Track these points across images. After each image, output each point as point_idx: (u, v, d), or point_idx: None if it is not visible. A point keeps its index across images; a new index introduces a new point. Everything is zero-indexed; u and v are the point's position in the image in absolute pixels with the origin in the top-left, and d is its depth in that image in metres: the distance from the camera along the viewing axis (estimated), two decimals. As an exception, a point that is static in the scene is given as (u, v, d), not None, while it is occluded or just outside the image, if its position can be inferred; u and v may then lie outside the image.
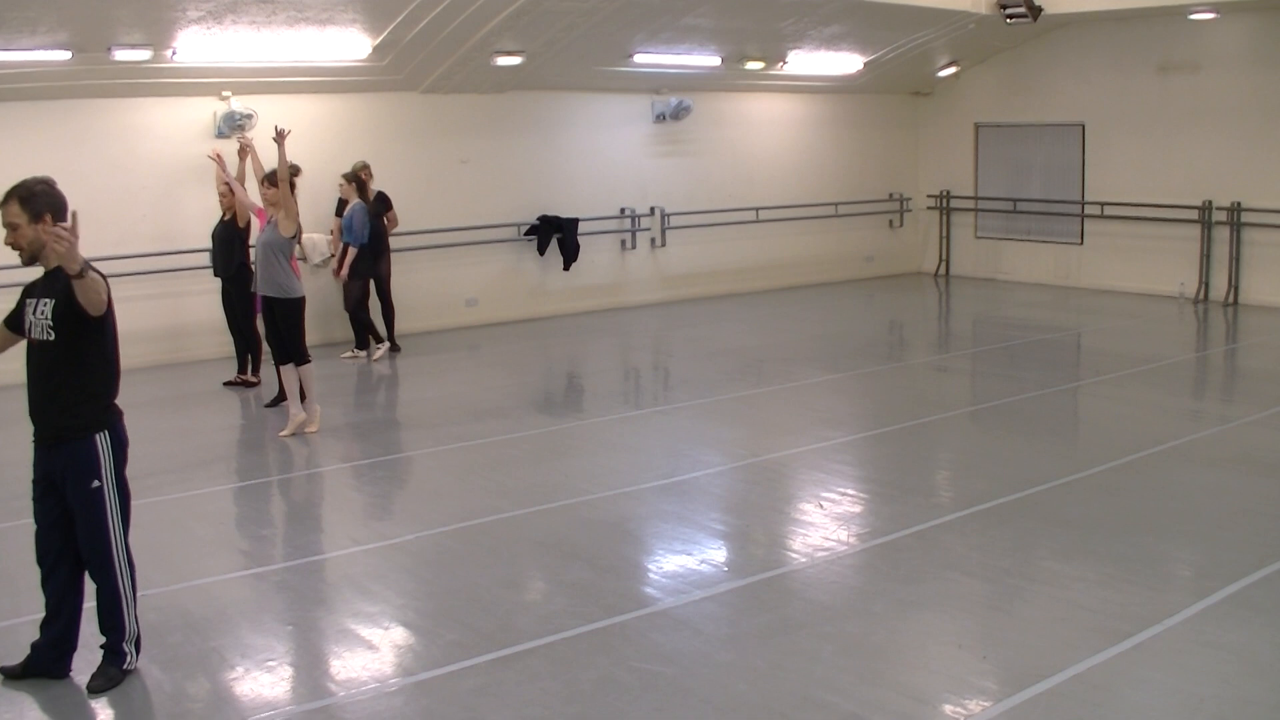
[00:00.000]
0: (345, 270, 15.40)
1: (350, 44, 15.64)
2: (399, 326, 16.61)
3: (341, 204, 16.07)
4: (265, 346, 13.65)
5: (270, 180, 11.97)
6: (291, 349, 12.19)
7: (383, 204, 16.39)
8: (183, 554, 8.85)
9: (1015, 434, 12.24)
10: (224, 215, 14.11)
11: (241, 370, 14.53)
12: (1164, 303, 20.08)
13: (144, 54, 14.24)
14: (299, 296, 12.20)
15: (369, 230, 15.37)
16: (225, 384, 14.50)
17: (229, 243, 14.07)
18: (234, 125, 15.55)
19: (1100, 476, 10.33)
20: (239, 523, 9.84)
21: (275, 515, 10.11)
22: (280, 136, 12.02)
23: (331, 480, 10.94)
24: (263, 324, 12.83)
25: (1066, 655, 6.77)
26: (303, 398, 12.28)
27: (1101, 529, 8.98)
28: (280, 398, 12.83)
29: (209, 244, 14.60)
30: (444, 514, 9.63)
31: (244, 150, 14.06)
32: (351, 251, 15.35)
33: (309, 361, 12.31)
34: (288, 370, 12.21)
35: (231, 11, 14.00)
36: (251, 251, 13.51)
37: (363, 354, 15.99)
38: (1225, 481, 10.18)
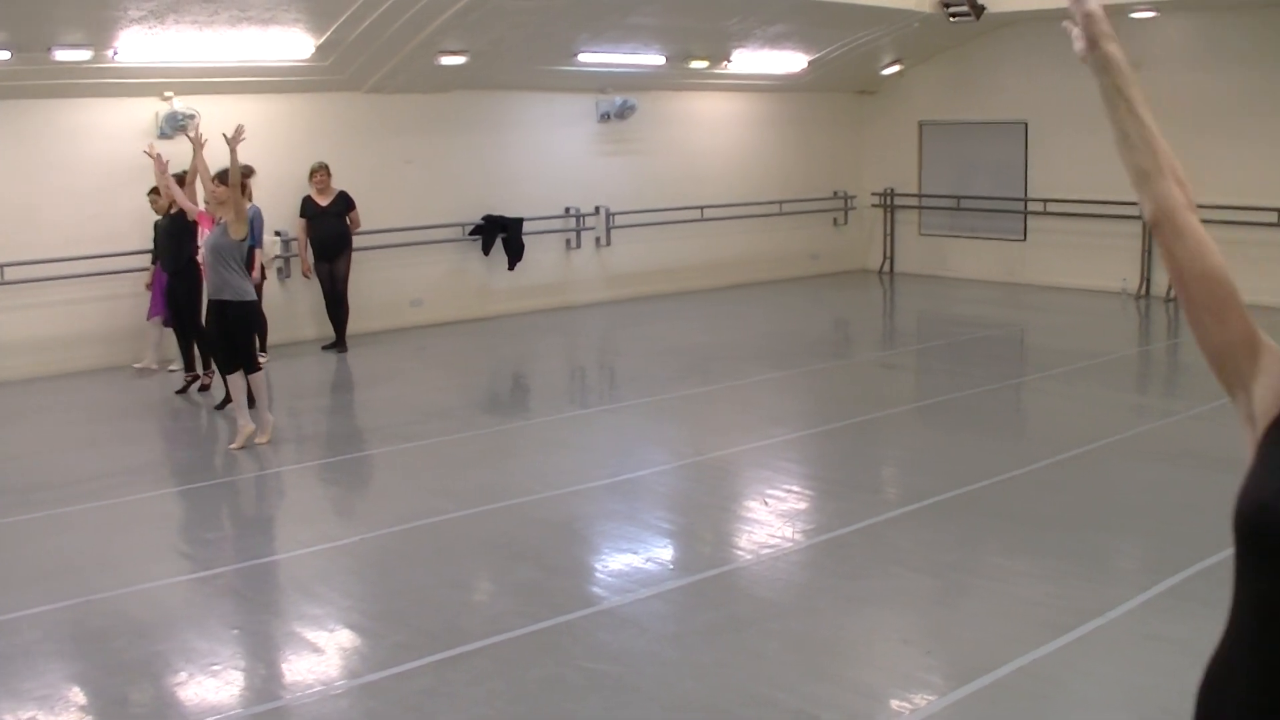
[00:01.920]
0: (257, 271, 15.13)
1: (293, 44, 15.53)
2: (348, 327, 16.54)
3: (305, 203, 16.25)
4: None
5: (221, 179, 11.61)
6: (243, 356, 11.79)
7: (344, 204, 16.40)
8: (128, 559, 8.76)
9: (960, 430, 12.31)
10: (170, 209, 13.78)
11: (189, 368, 14.15)
12: (1107, 298, 20.22)
13: (85, 54, 14.10)
14: (252, 300, 11.93)
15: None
16: (178, 392, 14.03)
17: (178, 236, 13.70)
18: (176, 125, 15.41)
19: (1045, 471, 10.41)
20: (184, 527, 9.77)
21: (221, 519, 10.04)
22: (234, 137, 11.56)
23: (278, 482, 10.88)
24: (211, 331, 12.40)
25: (1011, 649, 6.81)
26: (251, 406, 11.90)
27: (1046, 524, 9.05)
28: (229, 399, 12.40)
29: (152, 238, 14.50)
30: (390, 515, 9.60)
31: (198, 143, 13.46)
32: (258, 254, 14.66)
33: (259, 369, 12.02)
34: (235, 379, 11.76)
35: (173, 11, 13.88)
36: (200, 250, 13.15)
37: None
38: (1168, 476, 10.27)
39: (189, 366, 14.18)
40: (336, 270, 16.34)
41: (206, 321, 12.60)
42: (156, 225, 14.30)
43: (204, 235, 12.44)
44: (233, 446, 11.57)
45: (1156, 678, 6.43)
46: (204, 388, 13.96)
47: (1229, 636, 2.54)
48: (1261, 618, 2.47)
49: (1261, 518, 2.49)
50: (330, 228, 16.32)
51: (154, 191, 14.28)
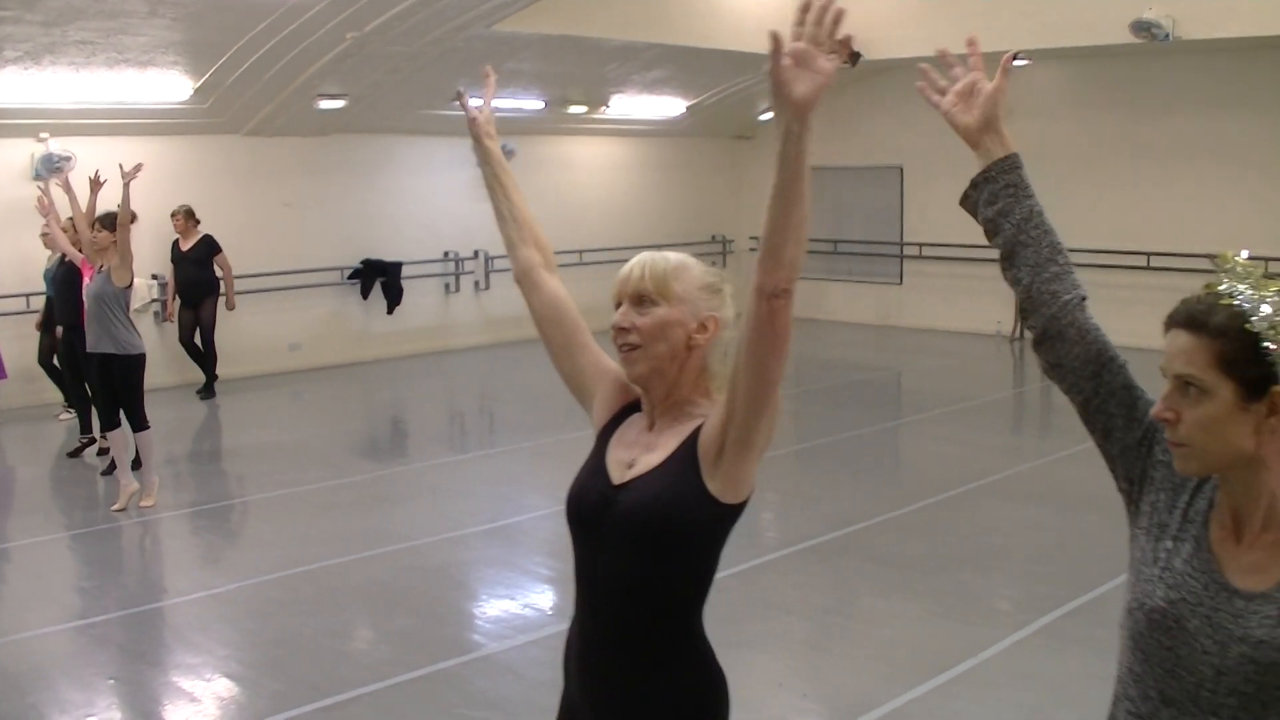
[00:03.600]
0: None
1: (171, 86, 15.41)
2: (222, 372, 16.35)
3: (173, 247, 15.98)
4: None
5: (106, 224, 10.80)
6: (128, 412, 11.07)
7: (208, 249, 16.10)
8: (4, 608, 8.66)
9: (836, 473, 12.44)
10: (62, 257, 12.89)
11: (85, 430, 13.19)
12: (982, 341, 20.55)
13: (-43, 94, 13.97)
14: (139, 353, 11.05)
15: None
16: (70, 455, 13.09)
17: (72, 285, 12.61)
18: (52, 167, 15.20)
19: (918, 513, 10.55)
20: (58, 575, 9.60)
21: (96, 567, 9.85)
22: (130, 173, 10.60)
23: (154, 529, 10.70)
24: (94, 385, 11.53)
25: (885, 690, 6.90)
26: (136, 465, 11.36)
27: (919, 566, 9.17)
28: (113, 466, 11.70)
29: (40, 287, 14.01)
30: (267, 562, 9.51)
31: (96, 183, 12.53)
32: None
33: (148, 427, 11.20)
34: (116, 436, 11.07)
35: (49, 52, 13.73)
36: None
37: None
38: (1039, 516, 10.45)
39: (84, 428, 13.22)
40: (201, 316, 16.02)
41: (88, 375, 11.84)
42: (47, 274, 13.77)
43: (86, 284, 11.58)
44: (115, 508, 10.89)
45: (1026, 714, 6.54)
46: (102, 451, 12.73)
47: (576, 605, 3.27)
48: (581, 581, 3.20)
49: (569, 505, 3.21)
50: (190, 274, 16.02)
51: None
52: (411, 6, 14.38)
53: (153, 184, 16.03)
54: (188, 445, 14.01)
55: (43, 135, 15.33)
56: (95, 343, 10.90)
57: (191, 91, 15.62)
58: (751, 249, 23.80)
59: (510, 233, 3.81)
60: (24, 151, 15.32)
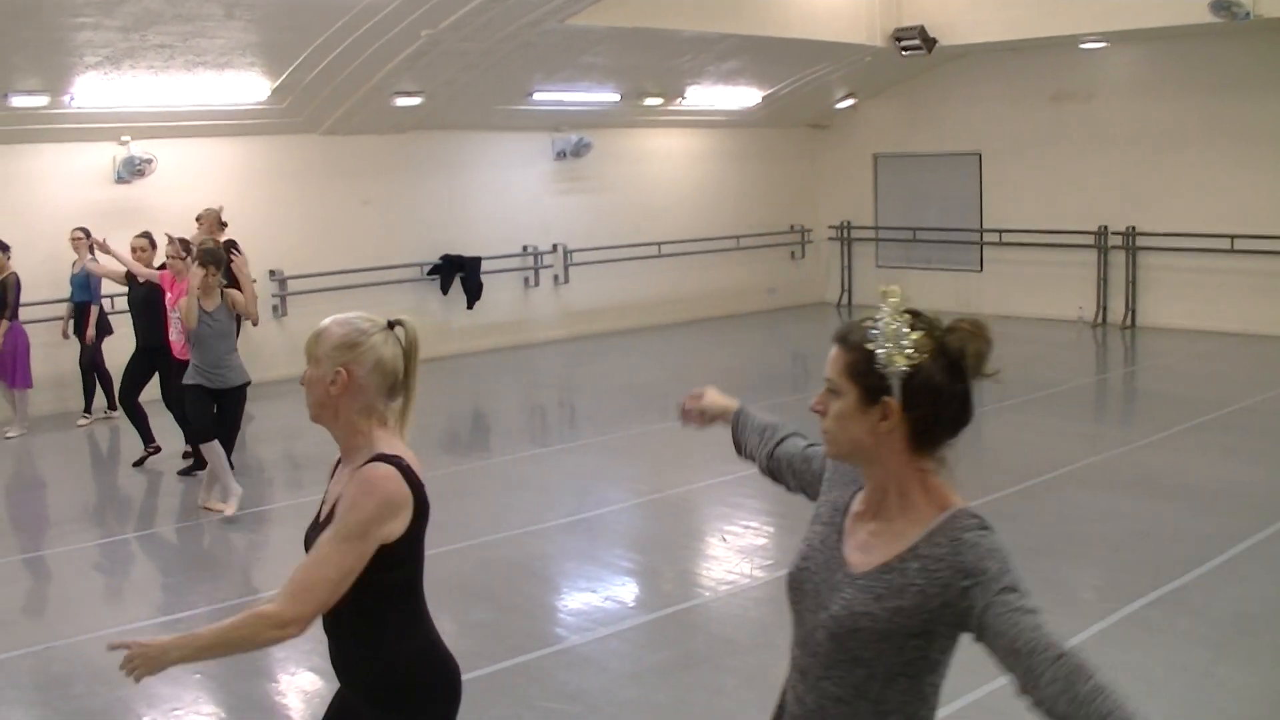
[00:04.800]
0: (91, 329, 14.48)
1: (249, 87, 15.57)
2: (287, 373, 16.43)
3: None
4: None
5: (210, 260, 10.59)
6: (233, 434, 11.10)
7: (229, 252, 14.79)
8: (87, 604, 8.77)
9: (917, 462, 12.35)
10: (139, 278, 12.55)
11: (149, 441, 12.85)
12: (1063, 327, 20.37)
13: (41, 99, 14.13)
14: (247, 381, 11.06)
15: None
16: (180, 473, 12.46)
17: (154, 305, 12.28)
18: (134, 170, 15.43)
19: (1000, 502, 10.45)
20: (142, 572, 9.75)
21: (180, 564, 9.96)
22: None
23: (235, 527, 10.70)
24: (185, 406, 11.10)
25: (968, 681, 6.82)
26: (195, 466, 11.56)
27: (1002, 554, 9.09)
28: (192, 467, 11.98)
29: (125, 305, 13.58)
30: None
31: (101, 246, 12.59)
32: (93, 311, 14.42)
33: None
34: (215, 445, 10.72)
35: (129, 57, 13.92)
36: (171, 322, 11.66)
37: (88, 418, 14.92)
38: (1123, 505, 10.34)
39: (147, 440, 12.90)
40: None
41: (175, 395, 11.63)
42: (73, 280, 14.19)
43: (170, 300, 11.49)
44: (226, 513, 10.77)
45: (1111, 707, 6.47)
46: (186, 454, 12.49)
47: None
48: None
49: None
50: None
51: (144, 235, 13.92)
52: (485, 3, 14.46)
53: (231, 184, 16.25)
54: (274, 446, 14.10)
55: (124, 138, 15.52)
56: (213, 377, 10.68)
57: (269, 92, 15.77)
58: (830, 237, 23.81)
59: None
60: (106, 155, 15.52)
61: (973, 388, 2.98)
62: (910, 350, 2.84)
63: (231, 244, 13.10)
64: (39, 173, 15.21)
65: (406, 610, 4.04)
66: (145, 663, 3.66)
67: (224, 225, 14.19)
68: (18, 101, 14.00)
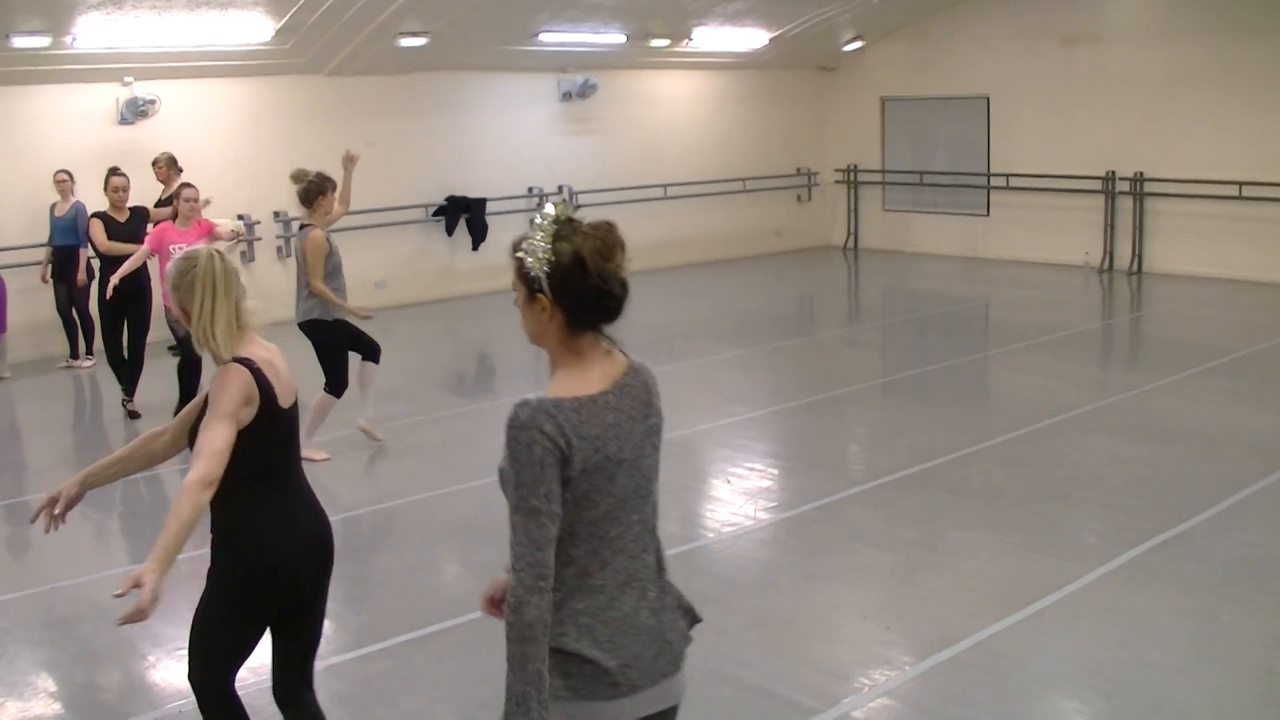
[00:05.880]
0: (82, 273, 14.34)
1: (253, 27, 15.49)
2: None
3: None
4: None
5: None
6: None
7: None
8: (91, 546, 8.79)
9: (922, 406, 12.36)
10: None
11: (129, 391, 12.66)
12: (1070, 272, 20.32)
13: (43, 40, 14.07)
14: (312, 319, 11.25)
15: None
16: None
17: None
18: (137, 111, 15.38)
19: (1004, 446, 10.47)
20: (145, 515, 9.75)
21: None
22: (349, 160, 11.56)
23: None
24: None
25: (969, 624, 6.87)
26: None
27: (1005, 498, 9.11)
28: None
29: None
30: (355, 498, 9.63)
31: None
32: (81, 254, 14.17)
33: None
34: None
35: (131, -5, 13.89)
36: None
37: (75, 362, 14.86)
38: (1126, 449, 10.33)
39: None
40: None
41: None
42: (55, 224, 14.23)
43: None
44: (377, 436, 11.14)
45: (1112, 651, 6.49)
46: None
47: None
48: None
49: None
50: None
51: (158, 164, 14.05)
52: (490, -58, 14.37)
53: (235, 125, 16.21)
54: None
55: (127, 79, 15.45)
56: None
57: (273, 32, 15.69)
58: (836, 181, 23.75)
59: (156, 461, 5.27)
60: (109, 96, 15.47)
61: (613, 282, 3.66)
62: (547, 256, 3.50)
63: (186, 185, 12.68)
64: (42, 114, 15.14)
65: (256, 493, 4.79)
66: (146, 606, 4.12)
67: (179, 170, 14.36)
68: (19, 42, 13.93)
